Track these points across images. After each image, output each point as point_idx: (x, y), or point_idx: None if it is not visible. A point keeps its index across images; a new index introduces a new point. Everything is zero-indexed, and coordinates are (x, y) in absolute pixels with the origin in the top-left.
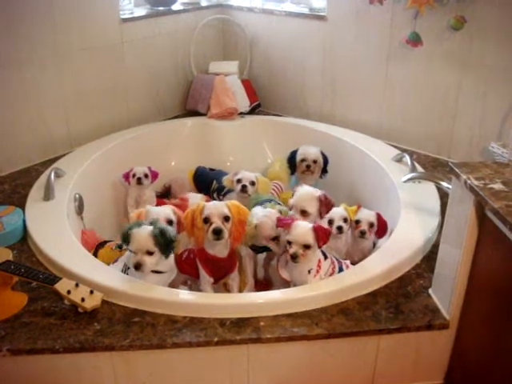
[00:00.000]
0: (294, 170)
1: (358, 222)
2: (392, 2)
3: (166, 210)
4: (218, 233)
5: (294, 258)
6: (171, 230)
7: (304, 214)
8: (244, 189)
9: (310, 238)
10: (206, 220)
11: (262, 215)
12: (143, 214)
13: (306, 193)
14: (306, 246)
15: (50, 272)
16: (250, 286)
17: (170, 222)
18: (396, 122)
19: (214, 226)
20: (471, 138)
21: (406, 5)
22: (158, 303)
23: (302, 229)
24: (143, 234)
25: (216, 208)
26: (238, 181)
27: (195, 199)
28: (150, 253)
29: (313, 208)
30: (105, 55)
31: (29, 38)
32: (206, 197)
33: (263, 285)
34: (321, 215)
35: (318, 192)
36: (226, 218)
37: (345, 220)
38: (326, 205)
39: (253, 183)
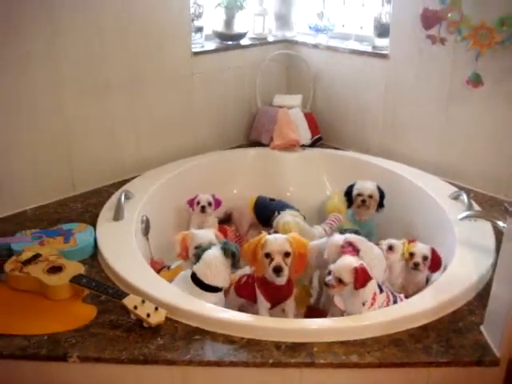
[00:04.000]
0: (351, 204)
1: (412, 254)
2: (454, 43)
3: (210, 235)
4: (278, 270)
5: (327, 285)
6: None
7: None
8: None
9: (347, 276)
10: (267, 255)
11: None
12: (188, 236)
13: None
14: (340, 281)
15: (118, 287)
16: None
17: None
18: (455, 159)
19: (274, 263)
20: None
21: (468, 46)
22: (218, 323)
23: (343, 264)
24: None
25: (277, 244)
26: None
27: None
28: (287, 254)
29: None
30: (176, 85)
31: (108, 66)
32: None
33: (318, 312)
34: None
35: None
36: (287, 254)
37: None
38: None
39: None
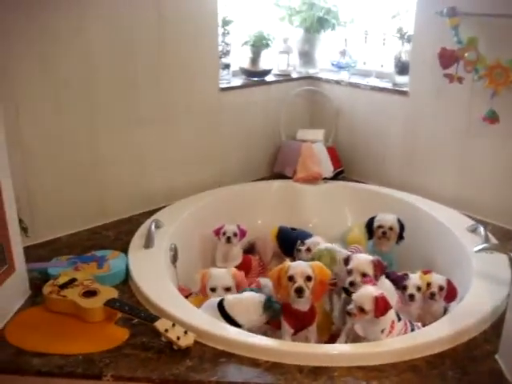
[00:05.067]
0: (371, 236)
1: (428, 284)
2: (471, 82)
3: (226, 278)
4: (299, 291)
5: (349, 314)
6: None
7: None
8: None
9: (368, 305)
10: (291, 278)
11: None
12: (207, 275)
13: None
14: (361, 309)
15: (149, 311)
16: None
17: (228, 289)
18: (473, 193)
19: (296, 285)
20: None
21: (484, 85)
22: (243, 347)
23: (364, 293)
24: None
25: (300, 268)
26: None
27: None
28: (309, 278)
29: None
30: (204, 119)
31: (141, 100)
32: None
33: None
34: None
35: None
36: (309, 278)
37: (418, 288)
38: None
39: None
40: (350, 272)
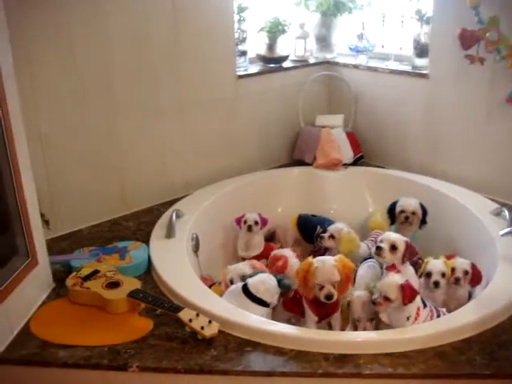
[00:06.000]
0: (394, 221)
1: (453, 269)
2: (492, 63)
3: (243, 268)
4: (329, 298)
5: (374, 303)
6: None
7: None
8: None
9: (393, 293)
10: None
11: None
12: (226, 272)
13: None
14: (386, 298)
15: (173, 302)
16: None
17: (243, 277)
18: (496, 176)
19: (325, 292)
20: None
21: (507, 65)
22: (268, 336)
23: (388, 281)
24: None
25: (328, 274)
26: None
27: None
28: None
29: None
30: (222, 108)
31: (158, 90)
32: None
33: None
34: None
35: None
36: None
37: (443, 275)
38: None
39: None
40: (380, 242)
